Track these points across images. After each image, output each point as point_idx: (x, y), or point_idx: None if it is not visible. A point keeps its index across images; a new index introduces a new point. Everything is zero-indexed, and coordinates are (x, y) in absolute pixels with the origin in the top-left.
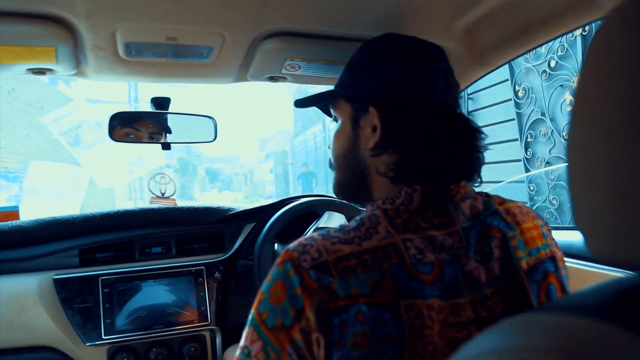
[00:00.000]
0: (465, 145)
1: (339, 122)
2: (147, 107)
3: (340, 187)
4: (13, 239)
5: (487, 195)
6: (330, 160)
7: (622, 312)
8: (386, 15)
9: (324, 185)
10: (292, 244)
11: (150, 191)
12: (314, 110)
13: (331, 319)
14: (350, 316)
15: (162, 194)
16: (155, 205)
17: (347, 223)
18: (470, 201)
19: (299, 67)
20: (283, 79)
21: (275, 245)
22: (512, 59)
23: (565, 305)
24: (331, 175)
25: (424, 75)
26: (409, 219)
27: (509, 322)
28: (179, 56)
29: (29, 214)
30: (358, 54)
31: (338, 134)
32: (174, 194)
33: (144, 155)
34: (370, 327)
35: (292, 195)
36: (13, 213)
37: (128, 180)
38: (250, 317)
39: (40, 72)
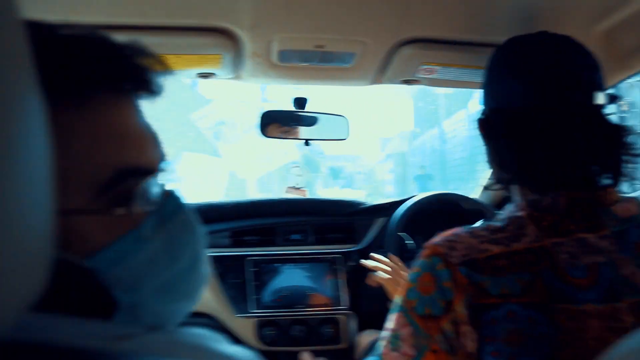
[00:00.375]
0: (603, 149)
1: None
2: (271, 106)
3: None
4: None
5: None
6: None
7: None
8: (521, 20)
9: (441, 188)
10: (437, 239)
11: (289, 183)
12: (433, 113)
13: (482, 314)
14: (501, 314)
15: (296, 185)
16: (290, 196)
17: (489, 222)
18: (622, 204)
19: (434, 71)
20: (417, 82)
21: (406, 239)
22: None
23: None
24: (447, 178)
25: (532, 82)
26: (556, 222)
27: None
28: (324, 61)
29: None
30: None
31: None
32: (304, 186)
33: (273, 151)
34: (523, 326)
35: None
36: None
37: (260, 174)
38: (397, 302)
39: (205, 76)
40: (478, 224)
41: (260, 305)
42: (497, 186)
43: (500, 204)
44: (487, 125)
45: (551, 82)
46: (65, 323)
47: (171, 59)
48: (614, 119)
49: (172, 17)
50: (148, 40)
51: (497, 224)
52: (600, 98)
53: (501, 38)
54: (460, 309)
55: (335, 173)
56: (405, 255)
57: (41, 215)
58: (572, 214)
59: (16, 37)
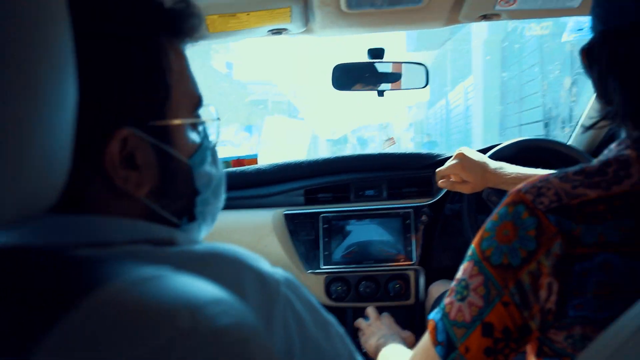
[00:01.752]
0: None
1: None
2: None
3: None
4: (254, 180)
5: None
6: None
7: None
8: None
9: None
10: (523, 185)
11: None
12: (442, 84)
13: (571, 265)
14: (595, 265)
15: (388, 138)
16: (367, 152)
17: (582, 166)
18: None
19: (515, 1)
20: (497, 16)
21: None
22: None
23: None
24: (450, 144)
25: None
26: None
27: None
28: (394, 4)
29: (265, 160)
30: None
31: None
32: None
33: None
34: (619, 278)
35: None
36: (253, 160)
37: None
38: (470, 252)
39: (278, 32)
40: (574, 167)
41: (330, 262)
42: (603, 123)
43: (596, 151)
44: (592, 53)
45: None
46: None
47: (242, 17)
48: None
49: None
50: (223, 1)
51: (595, 164)
52: None
53: None
54: (544, 259)
55: (363, 143)
56: (487, 207)
57: (63, 132)
58: None
59: None
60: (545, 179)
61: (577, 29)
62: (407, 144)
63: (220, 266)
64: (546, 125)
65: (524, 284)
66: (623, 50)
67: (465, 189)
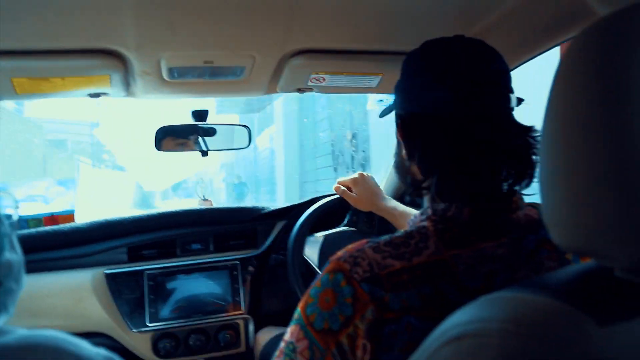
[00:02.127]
0: (507, 155)
1: None
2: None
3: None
4: (71, 239)
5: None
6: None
7: (574, 291)
8: (403, 27)
9: (254, 194)
10: (342, 254)
11: (197, 195)
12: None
13: (382, 328)
14: (401, 327)
15: (204, 197)
16: (193, 207)
17: (399, 232)
18: (523, 212)
19: (324, 80)
20: (310, 89)
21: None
22: (520, 65)
23: (529, 284)
24: (258, 185)
25: (436, 89)
26: (458, 233)
27: (482, 299)
28: (215, 76)
29: (83, 217)
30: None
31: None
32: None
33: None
34: (420, 336)
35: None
36: (69, 216)
37: (165, 186)
38: (296, 316)
39: (96, 95)
40: (385, 237)
41: (157, 318)
42: (411, 192)
43: (401, 198)
44: (405, 129)
45: (472, 87)
46: None
47: (56, 82)
48: (512, 122)
49: (56, 40)
50: (34, 65)
51: (401, 235)
52: (513, 101)
53: (383, 46)
54: (360, 324)
55: (175, 185)
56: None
57: None
58: (474, 224)
59: None
60: (360, 249)
61: (379, 100)
62: (219, 184)
63: (38, 358)
64: (335, 169)
65: (343, 345)
66: (432, 132)
67: (351, 200)
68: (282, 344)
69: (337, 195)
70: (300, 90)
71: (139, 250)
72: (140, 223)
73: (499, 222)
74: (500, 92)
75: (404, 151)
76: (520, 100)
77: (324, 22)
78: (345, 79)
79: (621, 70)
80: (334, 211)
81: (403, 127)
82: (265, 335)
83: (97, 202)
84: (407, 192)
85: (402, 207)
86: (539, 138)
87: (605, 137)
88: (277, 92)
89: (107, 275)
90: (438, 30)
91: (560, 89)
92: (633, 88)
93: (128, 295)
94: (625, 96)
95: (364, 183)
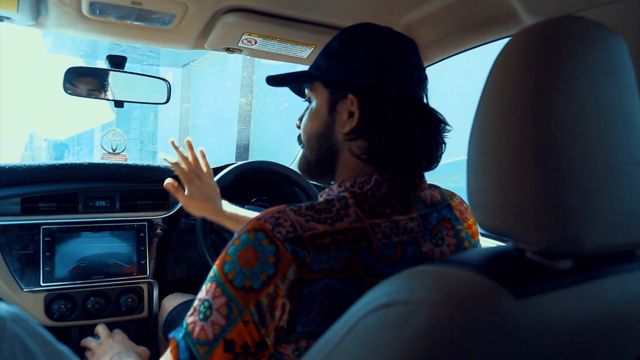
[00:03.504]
0: (434, 137)
1: (314, 103)
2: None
3: (308, 164)
4: None
5: (440, 188)
6: (299, 137)
7: (494, 268)
8: (337, 3)
9: (76, 156)
10: (262, 215)
11: (102, 147)
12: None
13: (302, 288)
14: (320, 288)
15: (114, 150)
16: (101, 161)
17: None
18: (429, 192)
19: (255, 42)
20: (239, 51)
21: None
22: (448, 57)
23: (452, 260)
24: (79, 150)
25: (402, 68)
26: (375, 204)
27: (408, 271)
28: (142, 20)
29: None
30: (338, 41)
31: (313, 115)
32: (124, 149)
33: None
34: (336, 298)
35: None
36: None
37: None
38: (212, 274)
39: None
40: (304, 203)
41: (52, 278)
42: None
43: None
44: (364, 102)
45: (419, 72)
46: None
47: None
48: (433, 109)
49: None
50: None
51: (322, 203)
52: (424, 89)
53: (320, 18)
54: (281, 283)
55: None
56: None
57: None
58: (390, 198)
59: None
60: (282, 210)
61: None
62: (40, 143)
63: None
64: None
65: (262, 304)
66: (370, 108)
67: (180, 199)
68: (196, 302)
69: (265, 161)
70: (229, 50)
71: (34, 202)
72: (38, 172)
73: (412, 198)
74: (423, 81)
75: (334, 121)
76: None
77: None
78: (277, 45)
79: (547, 71)
80: (254, 178)
81: (361, 99)
82: (171, 301)
83: None
84: (320, 164)
85: (230, 208)
86: (448, 127)
87: (529, 130)
88: (205, 49)
89: None
90: (377, 12)
91: (493, 86)
92: (555, 87)
93: (20, 251)
94: (549, 94)
95: (202, 185)
